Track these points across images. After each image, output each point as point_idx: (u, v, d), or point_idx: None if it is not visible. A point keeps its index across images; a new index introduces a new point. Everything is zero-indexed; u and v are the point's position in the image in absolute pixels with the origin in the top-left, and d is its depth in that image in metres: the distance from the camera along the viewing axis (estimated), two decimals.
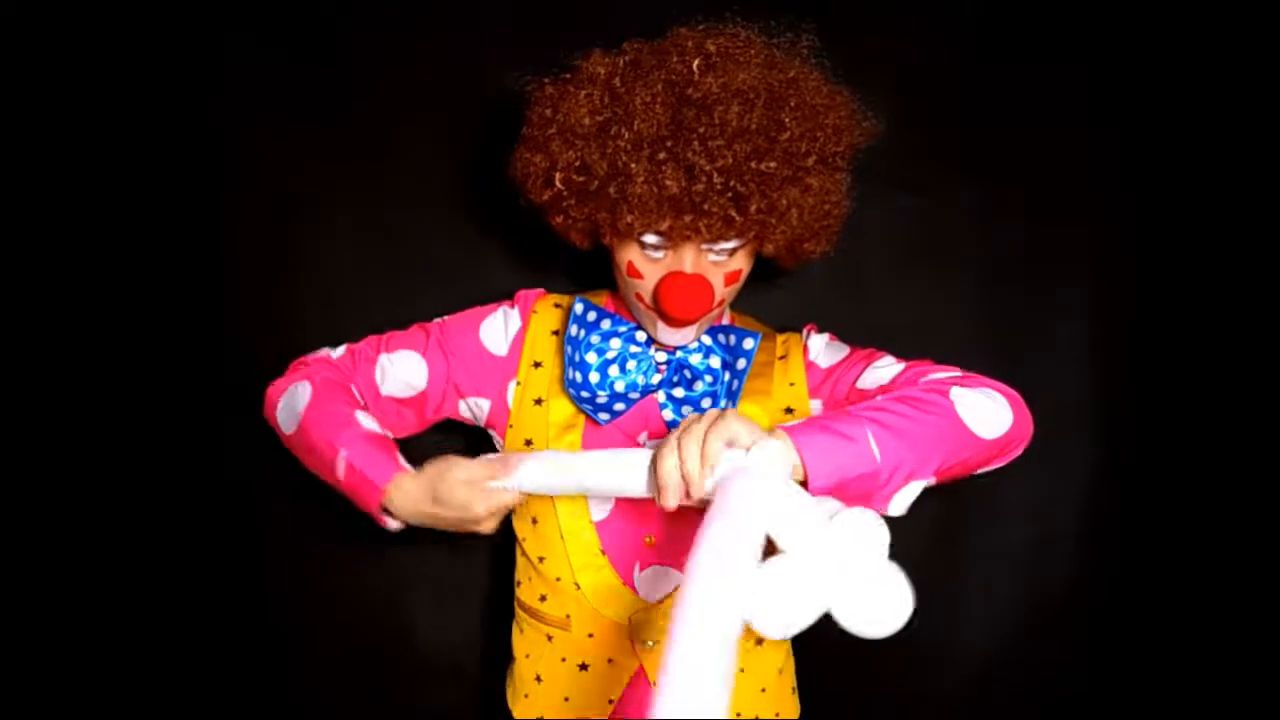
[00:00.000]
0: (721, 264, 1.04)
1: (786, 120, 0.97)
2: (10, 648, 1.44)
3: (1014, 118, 1.41)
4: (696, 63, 0.97)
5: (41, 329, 1.42)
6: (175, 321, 1.45)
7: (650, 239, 1.02)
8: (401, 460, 1.04)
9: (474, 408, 1.18)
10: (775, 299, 1.40)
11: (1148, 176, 1.41)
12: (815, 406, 1.13)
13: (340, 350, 1.17)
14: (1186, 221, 1.41)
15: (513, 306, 1.19)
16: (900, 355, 1.38)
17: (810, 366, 1.15)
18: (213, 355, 1.45)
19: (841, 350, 1.16)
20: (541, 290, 1.21)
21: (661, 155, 0.96)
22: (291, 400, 1.10)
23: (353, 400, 1.11)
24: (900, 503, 0.94)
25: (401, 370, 1.14)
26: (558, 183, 1.03)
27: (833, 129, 1.02)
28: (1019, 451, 1.04)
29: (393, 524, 1.04)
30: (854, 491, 0.91)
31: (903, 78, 1.40)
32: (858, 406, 0.95)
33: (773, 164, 0.96)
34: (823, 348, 1.16)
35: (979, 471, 1.03)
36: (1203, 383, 1.42)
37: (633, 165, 0.97)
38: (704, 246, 1.02)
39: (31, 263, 1.41)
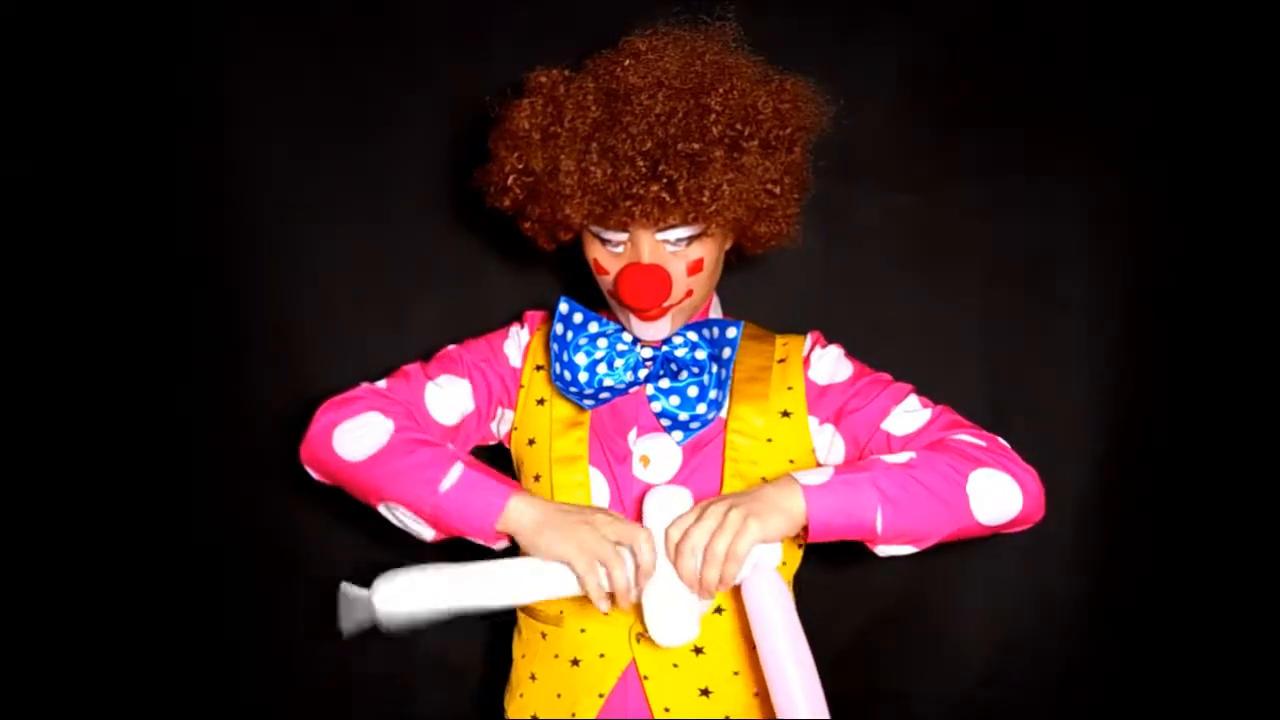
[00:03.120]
0: (680, 253, 1.07)
1: (714, 104, 1.02)
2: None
3: (1014, 117, 1.40)
4: (626, 61, 1.04)
5: (37, 331, 1.43)
6: (170, 327, 1.45)
7: (606, 234, 1.07)
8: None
9: (501, 420, 1.22)
10: (774, 299, 1.40)
11: (1148, 176, 1.40)
12: (811, 424, 1.15)
13: (383, 383, 1.16)
14: (1187, 221, 1.40)
15: (522, 325, 1.25)
16: (900, 355, 1.40)
17: (809, 384, 1.16)
18: (208, 360, 1.46)
19: (846, 367, 1.17)
20: (545, 312, 1.25)
21: (591, 147, 1.02)
22: (363, 429, 1.07)
23: (430, 432, 1.12)
24: (883, 552, 1.05)
25: (449, 395, 1.16)
26: (510, 184, 1.09)
27: (774, 112, 1.06)
28: (1017, 530, 1.11)
29: (499, 544, 1.04)
30: (849, 540, 1.02)
31: (903, 77, 1.41)
32: (877, 471, 1.00)
33: (697, 145, 1.00)
34: (827, 366, 1.17)
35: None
36: (1204, 381, 1.41)
37: (562, 158, 1.03)
38: (659, 237, 1.06)
39: (26, 264, 1.42)
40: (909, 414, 1.11)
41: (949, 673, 1.45)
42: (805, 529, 0.99)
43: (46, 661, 1.46)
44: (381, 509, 1.08)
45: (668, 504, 1.01)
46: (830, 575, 1.41)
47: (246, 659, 1.50)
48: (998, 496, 1.04)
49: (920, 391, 1.16)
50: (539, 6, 1.41)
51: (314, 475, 1.15)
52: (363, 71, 1.43)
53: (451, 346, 1.22)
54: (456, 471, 1.01)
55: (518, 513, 1.00)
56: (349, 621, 0.95)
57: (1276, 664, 1.38)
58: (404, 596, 0.94)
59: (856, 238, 1.43)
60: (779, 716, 0.96)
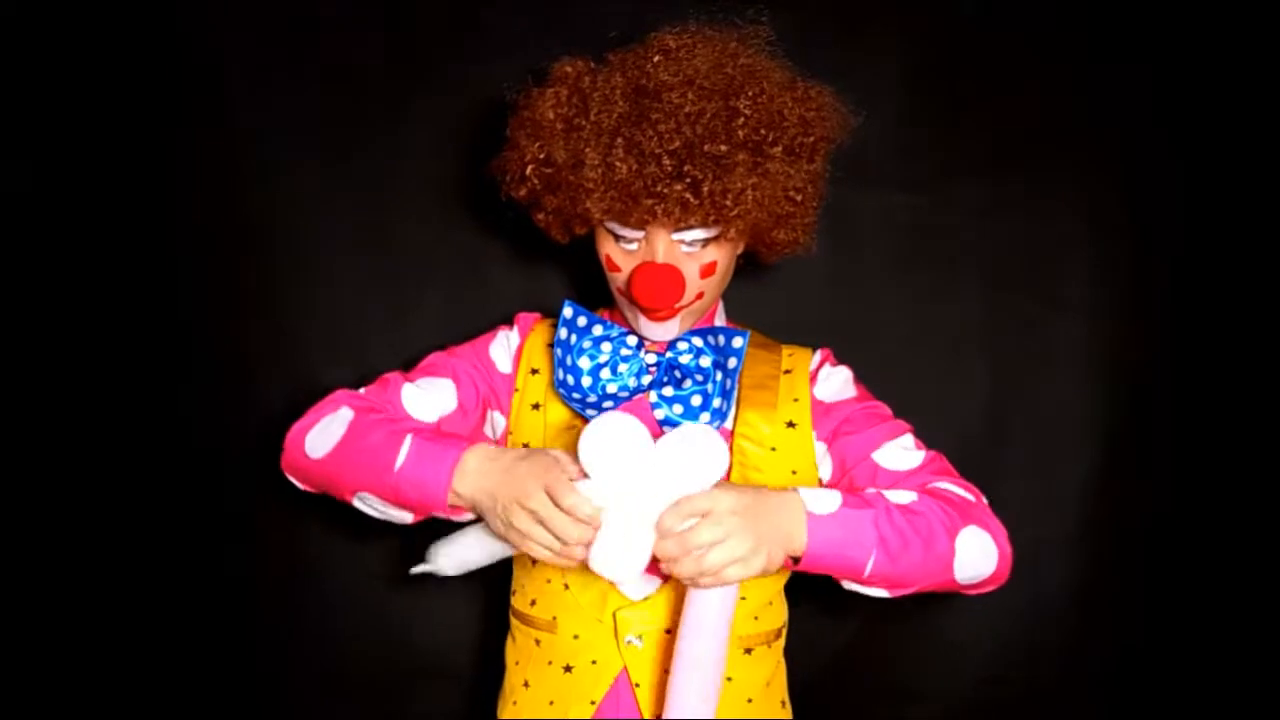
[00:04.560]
0: (695, 255, 1.06)
1: (742, 107, 1.00)
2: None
3: (1013, 116, 1.40)
4: (656, 57, 1.02)
5: (36, 332, 1.44)
6: (170, 326, 1.45)
7: (622, 231, 1.06)
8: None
9: (494, 423, 1.21)
10: (774, 299, 1.40)
11: (1148, 176, 1.40)
12: (813, 437, 1.14)
13: (361, 390, 1.15)
14: (1187, 221, 1.40)
15: (511, 328, 1.23)
16: (900, 356, 1.40)
17: (814, 400, 1.15)
18: (210, 360, 1.46)
19: (851, 391, 1.17)
20: (539, 314, 1.24)
21: (617, 142, 1.00)
22: (328, 426, 1.07)
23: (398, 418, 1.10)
24: (852, 588, 1.03)
25: (429, 396, 1.14)
26: (528, 174, 1.07)
27: (799, 120, 1.05)
28: (976, 593, 1.09)
29: (450, 514, 1.02)
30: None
31: (902, 76, 1.40)
32: (880, 510, 0.98)
33: (724, 147, 0.99)
34: (834, 385, 1.16)
35: None
36: (1203, 381, 1.41)
37: (587, 151, 1.01)
38: (675, 237, 1.05)
39: (25, 264, 1.42)
40: (903, 451, 1.10)
41: (949, 673, 1.45)
42: (795, 558, 0.97)
43: (44, 661, 1.46)
44: (356, 502, 1.07)
45: (691, 443, 0.95)
46: (827, 577, 1.40)
47: (243, 660, 1.50)
48: (978, 557, 1.02)
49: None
50: (540, 5, 1.41)
51: (298, 485, 1.14)
52: (364, 71, 1.43)
53: (436, 352, 1.21)
54: (407, 445, 0.99)
55: (464, 487, 0.97)
56: (418, 568, 1.10)
57: (1275, 664, 1.38)
58: (445, 559, 1.07)
59: (856, 238, 1.43)
60: (672, 711, 0.95)
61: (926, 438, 1.39)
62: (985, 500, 1.09)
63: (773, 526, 0.94)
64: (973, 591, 1.08)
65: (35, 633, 1.46)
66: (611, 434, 0.94)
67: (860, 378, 1.21)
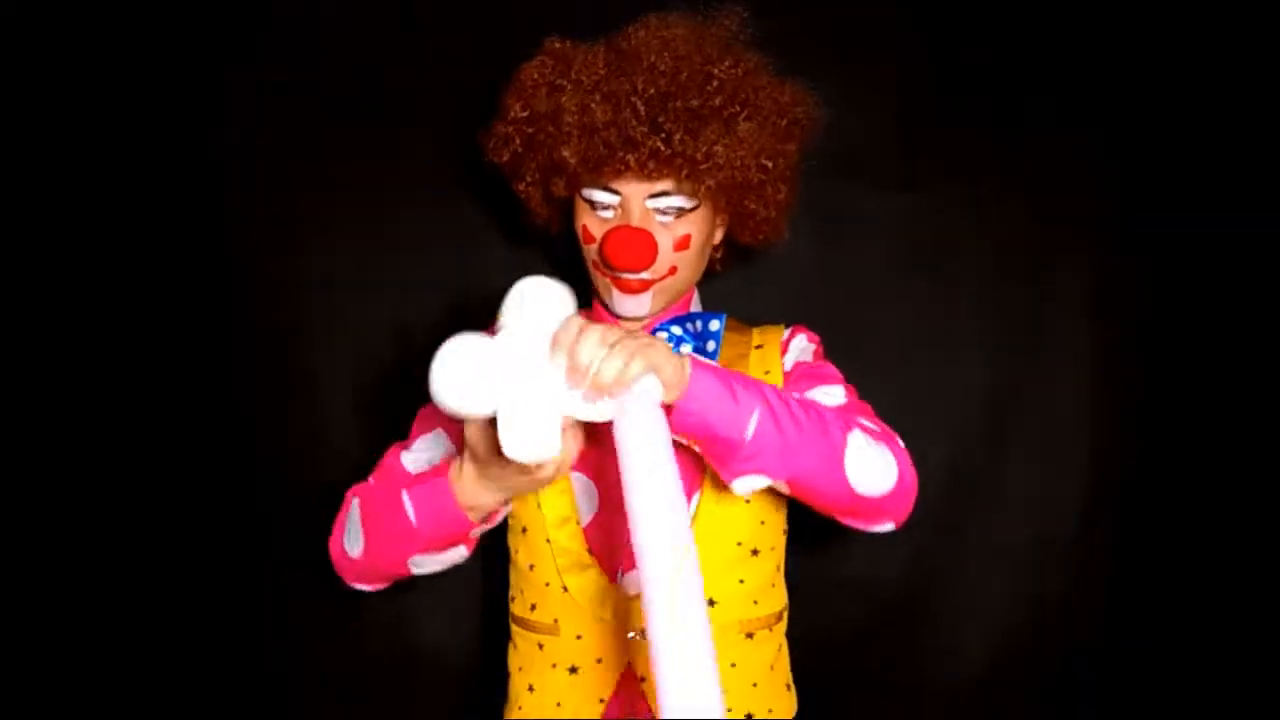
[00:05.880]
0: (669, 225, 1.09)
1: (716, 73, 1.05)
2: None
3: (1013, 115, 1.41)
4: (639, 32, 1.08)
5: (35, 335, 1.43)
6: (174, 322, 1.45)
7: (597, 195, 1.08)
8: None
9: None
10: (774, 299, 1.40)
11: (1147, 173, 1.41)
12: None
13: (370, 479, 1.13)
14: (1187, 218, 1.40)
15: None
16: (900, 355, 1.41)
17: (784, 371, 1.15)
18: (214, 358, 1.46)
19: (807, 355, 1.17)
20: None
21: (595, 95, 1.05)
22: (350, 524, 1.06)
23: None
24: (743, 485, 0.95)
25: (426, 456, 1.13)
26: (510, 132, 1.11)
27: (770, 99, 1.09)
28: (884, 525, 1.03)
29: (487, 523, 1.00)
30: (710, 448, 0.93)
31: (902, 75, 1.41)
32: (768, 387, 0.94)
33: (696, 102, 1.03)
34: (795, 353, 1.17)
35: (843, 520, 1.03)
36: (1203, 380, 1.41)
37: (565, 100, 1.06)
38: (650, 205, 1.07)
39: (24, 265, 1.42)
40: (826, 393, 1.08)
41: (948, 673, 1.45)
42: (673, 408, 0.89)
43: (50, 661, 1.46)
44: (413, 569, 1.04)
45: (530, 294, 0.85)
46: (828, 573, 1.41)
47: (247, 663, 1.50)
48: (873, 464, 0.97)
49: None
50: (539, 3, 1.41)
51: (369, 589, 1.11)
52: (364, 68, 1.43)
53: (423, 407, 1.17)
54: (407, 501, 0.98)
55: (470, 498, 0.94)
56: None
57: (1275, 664, 1.38)
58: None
59: (856, 237, 1.43)
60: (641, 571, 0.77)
61: (926, 437, 1.39)
62: (900, 443, 1.03)
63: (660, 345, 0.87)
64: (877, 518, 1.02)
65: (41, 632, 1.45)
66: (454, 363, 0.82)
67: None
